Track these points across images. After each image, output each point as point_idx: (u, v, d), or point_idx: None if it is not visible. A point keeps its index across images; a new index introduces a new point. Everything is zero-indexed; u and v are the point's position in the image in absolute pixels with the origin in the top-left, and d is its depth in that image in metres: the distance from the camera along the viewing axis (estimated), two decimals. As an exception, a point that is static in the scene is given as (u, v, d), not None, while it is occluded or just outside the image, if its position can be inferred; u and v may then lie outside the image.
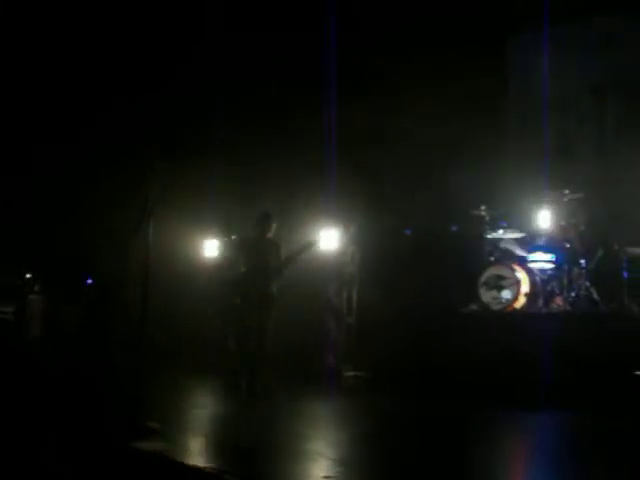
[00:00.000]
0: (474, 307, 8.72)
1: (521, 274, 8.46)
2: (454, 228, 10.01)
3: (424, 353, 8.26)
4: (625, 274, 8.04)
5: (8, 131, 10.91)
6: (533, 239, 8.74)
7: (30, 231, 11.08)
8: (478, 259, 9.01)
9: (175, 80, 10.64)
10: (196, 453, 5.11)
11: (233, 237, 9.48)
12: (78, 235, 11.08)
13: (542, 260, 8.50)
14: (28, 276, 11.82)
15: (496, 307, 8.46)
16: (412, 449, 5.20)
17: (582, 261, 8.29)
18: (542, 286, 8.50)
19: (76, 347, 9.81)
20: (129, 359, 5.56)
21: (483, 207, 9.06)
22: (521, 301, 8.41)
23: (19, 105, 10.81)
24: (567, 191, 8.51)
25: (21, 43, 10.48)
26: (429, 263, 9.66)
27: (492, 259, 8.86)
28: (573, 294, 8.22)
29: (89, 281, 12.37)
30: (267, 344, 7.58)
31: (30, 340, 10.68)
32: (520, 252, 8.81)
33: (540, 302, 8.44)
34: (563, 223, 8.53)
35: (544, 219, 8.83)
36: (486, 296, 8.53)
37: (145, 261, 5.71)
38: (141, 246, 5.70)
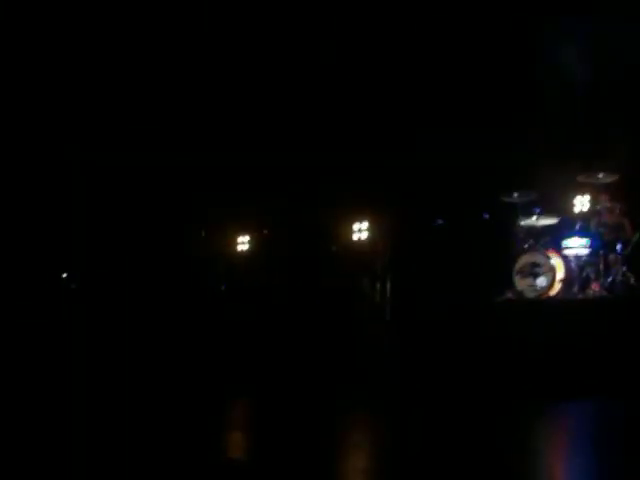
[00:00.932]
0: (509, 295, 8.62)
1: (556, 260, 8.34)
2: (486, 216, 9.88)
3: (459, 344, 8.18)
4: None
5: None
6: (568, 225, 8.61)
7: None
8: (512, 246, 8.90)
9: None
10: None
11: None
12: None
13: (577, 246, 8.37)
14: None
15: (531, 294, 8.36)
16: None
17: (618, 246, 8.14)
18: (578, 272, 8.37)
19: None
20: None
21: (515, 193, 8.95)
22: (557, 288, 8.30)
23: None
24: (602, 174, 8.36)
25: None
26: (462, 253, 9.56)
27: (526, 246, 8.74)
28: (609, 279, 8.08)
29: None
30: None
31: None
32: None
33: (576, 288, 8.32)
34: (598, 207, 8.39)
35: (579, 204, 8.73)
36: (521, 284, 8.44)
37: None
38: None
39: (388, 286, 9.51)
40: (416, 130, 10.02)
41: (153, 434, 5.32)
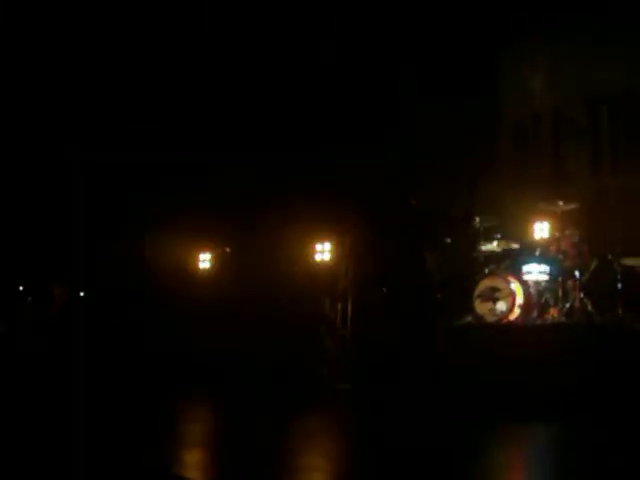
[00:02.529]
0: (469, 319, 8.68)
1: (516, 285, 8.43)
2: (447, 240, 9.96)
3: (415, 365, 8.21)
4: (619, 285, 8.03)
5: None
6: (527, 251, 8.73)
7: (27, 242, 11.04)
8: (472, 271, 8.99)
9: None
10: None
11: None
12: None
13: (537, 272, 8.48)
14: (20, 288, 11.71)
15: (491, 319, 8.43)
16: (407, 464, 5.13)
17: (577, 273, 8.26)
18: (537, 298, 8.47)
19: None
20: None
21: (477, 218, 9.05)
22: (516, 312, 8.38)
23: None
24: (561, 202, 8.50)
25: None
26: (422, 276, 9.62)
27: (487, 271, 8.83)
28: (568, 305, 8.19)
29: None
30: None
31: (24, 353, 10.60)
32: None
33: (535, 313, 8.41)
34: (557, 234, 8.52)
35: (539, 231, 8.86)
36: (481, 308, 8.50)
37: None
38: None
39: (349, 307, 9.53)
40: (382, 153, 10.12)
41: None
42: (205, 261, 10.61)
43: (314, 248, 10.12)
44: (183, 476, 4.51)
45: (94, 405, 7.28)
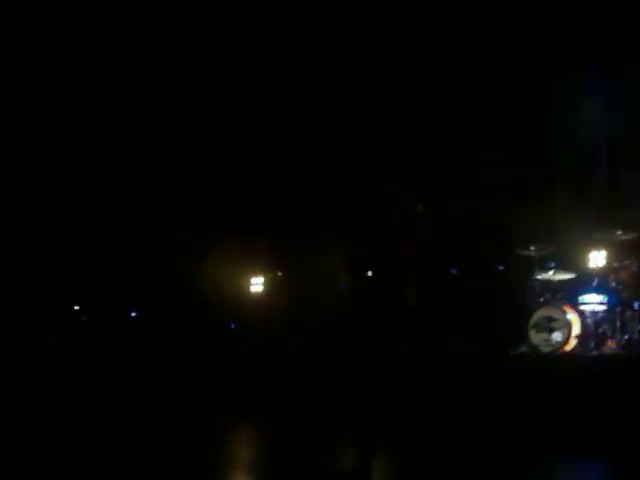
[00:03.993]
0: (523, 349, 8.57)
1: (572, 316, 8.31)
2: (501, 267, 9.86)
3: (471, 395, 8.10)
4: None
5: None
6: (584, 280, 8.59)
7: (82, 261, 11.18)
8: (527, 300, 8.87)
9: None
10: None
11: None
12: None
13: (594, 302, 8.34)
14: (76, 307, 11.86)
15: (546, 349, 8.31)
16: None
17: (635, 304, 8.10)
18: (594, 328, 8.32)
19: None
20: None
21: (532, 247, 8.95)
22: (572, 343, 8.25)
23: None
24: (620, 231, 8.36)
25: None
26: (476, 304, 9.51)
27: (542, 300, 8.71)
28: (626, 337, 8.03)
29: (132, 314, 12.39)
30: None
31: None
32: None
33: (592, 344, 8.26)
34: (616, 264, 8.37)
35: (596, 260, 8.71)
36: (536, 338, 8.39)
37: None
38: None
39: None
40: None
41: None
42: (257, 284, 10.69)
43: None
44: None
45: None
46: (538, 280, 8.84)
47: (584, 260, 8.81)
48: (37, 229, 11.11)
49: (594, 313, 8.37)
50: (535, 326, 8.43)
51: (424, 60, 9.96)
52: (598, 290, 8.35)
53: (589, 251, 8.77)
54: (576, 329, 8.26)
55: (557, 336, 8.27)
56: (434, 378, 8.56)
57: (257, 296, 10.62)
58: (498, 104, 10.18)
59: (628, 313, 8.14)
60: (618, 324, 8.10)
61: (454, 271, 10.18)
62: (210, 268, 10.67)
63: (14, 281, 11.08)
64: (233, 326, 11.27)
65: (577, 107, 10.46)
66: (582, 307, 8.43)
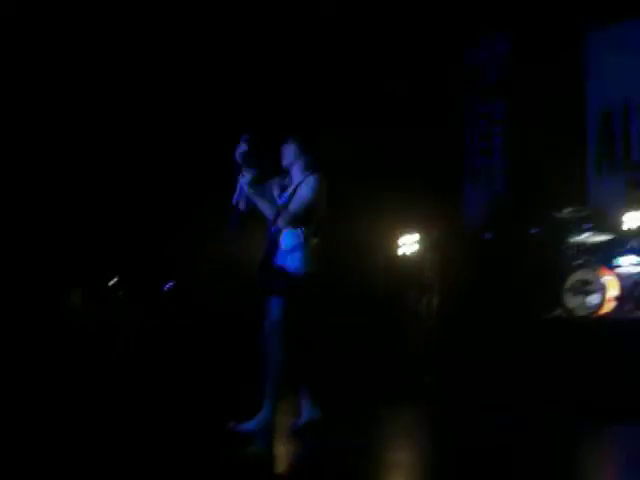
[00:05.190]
0: (558, 312, 8.50)
1: (608, 278, 8.21)
2: (535, 231, 9.75)
3: (504, 362, 8.07)
4: None
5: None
6: (620, 242, 8.47)
7: (117, 232, 11.19)
8: (562, 263, 8.78)
9: None
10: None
11: None
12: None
13: (631, 264, 8.23)
14: (113, 280, 11.90)
15: (582, 313, 8.23)
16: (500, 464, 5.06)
17: (675, 264, 7.98)
18: (631, 291, 8.22)
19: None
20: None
21: (567, 209, 8.83)
22: (608, 307, 8.16)
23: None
24: (656, 192, 8.23)
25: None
26: (510, 268, 9.45)
27: (577, 263, 8.61)
28: (665, 298, 7.93)
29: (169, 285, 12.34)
30: None
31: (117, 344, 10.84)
32: None
33: (629, 307, 8.17)
34: (654, 224, 8.24)
35: (631, 220, 8.57)
36: (572, 302, 8.31)
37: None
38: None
39: (434, 300, 9.44)
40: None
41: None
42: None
43: (399, 239, 10.05)
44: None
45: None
46: (573, 243, 8.73)
47: (619, 222, 8.68)
48: (70, 204, 11.14)
49: (630, 275, 8.25)
50: (570, 290, 8.34)
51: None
52: (635, 252, 8.24)
53: (625, 212, 8.64)
54: (612, 292, 8.16)
55: (593, 299, 8.18)
56: (467, 344, 8.60)
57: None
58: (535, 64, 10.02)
59: (667, 274, 8.03)
60: (657, 286, 8.00)
61: (487, 236, 10.11)
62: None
63: (48, 258, 11.15)
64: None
65: (612, 70, 10.24)
66: (618, 270, 8.31)
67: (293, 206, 5.39)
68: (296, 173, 5.60)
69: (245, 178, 5.41)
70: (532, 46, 10.10)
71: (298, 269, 5.37)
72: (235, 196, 5.50)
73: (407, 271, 9.67)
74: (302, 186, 5.44)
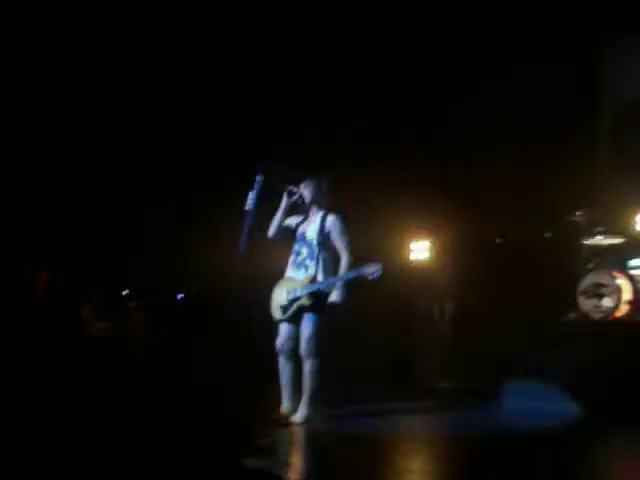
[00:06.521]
0: (573, 316, 8.46)
1: (622, 281, 8.17)
2: (548, 234, 9.72)
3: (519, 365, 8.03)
4: None
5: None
6: (634, 245, 8.43)
7: (129, 246, 11.23)
8: (575, 266, 8.75)
9: None
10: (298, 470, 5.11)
11: None
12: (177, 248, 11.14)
13: (645, 266, 8.21)
14: (125, 292, 11.98)
15: (597, 316, 8.19)
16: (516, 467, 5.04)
17: (688, 267, 7.94)
18: (646, 293, 8.17)
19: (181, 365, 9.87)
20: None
21: (579, 212, 8.80)
22: (623, 309, 8.11)
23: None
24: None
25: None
26: (523, 272, 9.40)
27: (591, 266, 8.58)
28: (679, 302, 7.88)
29: (180, 296, 12.44)
30: None
31: (133, 356, 10.86)
32: None
33: (644, 309, 8.12)
34: (666, 227, 8.20)
35: (641, 223, 8.54)
36: (586, 305, 8.27)
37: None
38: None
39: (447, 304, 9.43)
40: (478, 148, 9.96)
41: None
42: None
43: (410, 244, 10.05)
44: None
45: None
46: (586, 245, 8.70)
47: (633, 224, 8.64)
48: (82, 211, 11.19)
49: (645, 278, 8.22)
50: (584, 292, 8.30)
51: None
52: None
53: (637, 214, 8.60)
54: (627, 295, 8.12)
55: (607, 302, 8.14)
56: (483, 346, 8.57)
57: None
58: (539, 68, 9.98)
59: (680, 277, 7.98)
60: (670, 289, 7.95)
61: (499, 240, 10.08)
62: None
63: (63, 268, 11.20)
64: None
65: (623, 69, 10.22)
66: (632, 272, 8.27)
67: (346, 256, 6.24)
68: (314, 207, 6.42)
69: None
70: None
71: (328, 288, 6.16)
72: (248, 204, 5.97)
73: (420, 276, 9.65)
74: (336, 234, 6.28)
